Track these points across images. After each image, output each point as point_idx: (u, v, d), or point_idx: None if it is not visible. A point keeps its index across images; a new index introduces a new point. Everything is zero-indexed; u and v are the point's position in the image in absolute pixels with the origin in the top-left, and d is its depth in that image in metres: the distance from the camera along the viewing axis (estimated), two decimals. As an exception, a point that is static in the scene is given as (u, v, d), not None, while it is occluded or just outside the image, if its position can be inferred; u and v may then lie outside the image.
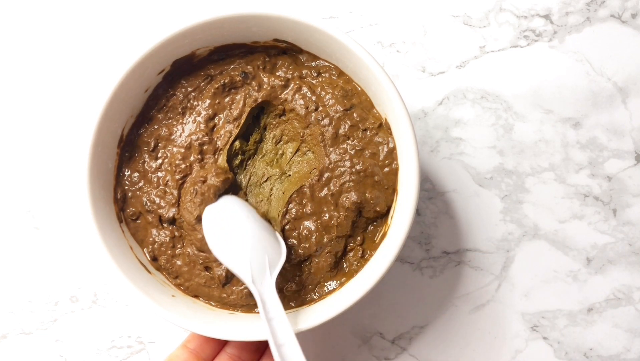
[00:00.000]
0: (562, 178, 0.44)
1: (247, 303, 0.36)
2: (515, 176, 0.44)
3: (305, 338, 0.43)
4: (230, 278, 0.36)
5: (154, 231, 0.36)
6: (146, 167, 0.37)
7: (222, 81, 0.37)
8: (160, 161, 0.37)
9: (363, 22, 0.45)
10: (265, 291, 0.32)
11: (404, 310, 0.44)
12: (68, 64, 0.45)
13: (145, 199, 0.36)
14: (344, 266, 0.36)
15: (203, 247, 0.35)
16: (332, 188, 0.36)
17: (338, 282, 0.36)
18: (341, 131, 0.36)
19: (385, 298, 0.44)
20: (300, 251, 0.36)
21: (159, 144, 0.37)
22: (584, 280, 0.43)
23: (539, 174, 0.44)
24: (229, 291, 0.36)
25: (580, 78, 0.44)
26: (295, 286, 0.36)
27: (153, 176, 0.37)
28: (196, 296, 0.36)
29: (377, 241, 0.36)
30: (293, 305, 0.36)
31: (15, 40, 0.45)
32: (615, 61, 0.44)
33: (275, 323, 0.31)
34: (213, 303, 0.36)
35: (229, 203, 0.35)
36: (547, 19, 0.44)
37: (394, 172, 0.35)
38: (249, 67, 0.37)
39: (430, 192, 0.44)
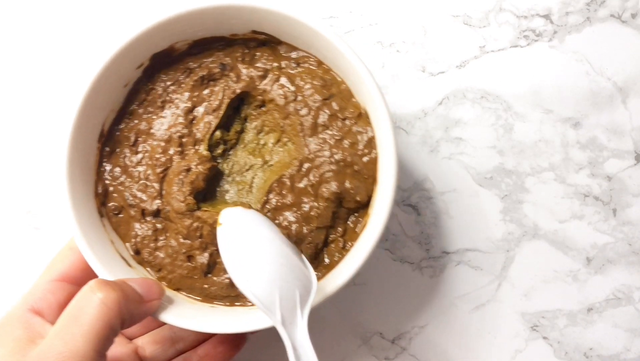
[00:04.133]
0: (562, 178, 0.44)
1: (228, 295, 0.36)
2: (515, 176, 0.44)
3: (305, 338, 0.44)
4: (212, 266, 0.36)
5: (136, 225, 0.36)
6: (127, 161, 0.37)
7: (201, 74, 0.37)
8: (140, 155, 0.37)
9: (363, 22, 0.45)
10: (298, 334, 0.28)
11: (404, 309, 0.44)
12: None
13: (127, 194, 0.36)
14: (325, 258, 0.36)
15: (190, 235, 0.35)
16: (311, 178, 0.35)
17: (319, 274, 0.36)
18: (320, 121, 0.36)
19: (385, 298, 0.44)
20: None
21: (139, 139, 0.37)
22: (584, 280, 0.43)
23: (539, 174, 0.44)
24: (210, 282, 0.36)
25: (580, 78, 0.44)
26: None
27: (134, 170, 0.36)
28: (178, 290, 0.36)
29: (358, 232, 0.36)
30: None
31: None
32: (615, 61, 0.44)
33: None
34: (195, 296, 0.36)
35: (250, 218, 0.32)
36: (547, 19, 0.44)
37: (374, 162, 0.35)
38: (227, 59, 0.37)
39: (430, 192, 0.44)
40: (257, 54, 0.37)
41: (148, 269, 0.36)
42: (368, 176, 0.35)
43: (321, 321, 0.44)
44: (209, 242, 0.35)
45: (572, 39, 0.44)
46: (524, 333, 0.43)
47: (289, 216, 0.36)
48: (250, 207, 0.34)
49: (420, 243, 0.44)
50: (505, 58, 0.44)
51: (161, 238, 0.36)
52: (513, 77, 0.44)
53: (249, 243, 0.30)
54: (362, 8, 0.45)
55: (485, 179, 0.44)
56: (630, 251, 0.44)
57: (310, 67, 0.37)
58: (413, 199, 0.44)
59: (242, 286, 0.28)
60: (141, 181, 0.36)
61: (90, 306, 0.27)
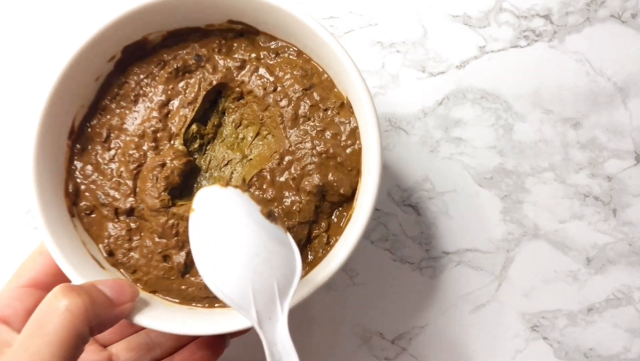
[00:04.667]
0: (562, 178, 0.44)
1: (207, 295, 0.34)
2: (515, 176, 0.44)
3: (304, 337, 0.44)
4: (189, 266, 0.34)
5: (109, 225, 0.35)
6: (99, 159, 0.35)
7: (175, 65, 0.35)
8: (113, 152, 0.35)
9: (363, 22, 0.45)
10: (278, 330, 0.26)
11: (404, 310, 0.44)
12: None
13: (99, 192, 0.35)
14: (309, 254, 0.35)
15: (165, 233, 0.34)
16: (293, 171, 0.34)
17: (305, 268, 0.34)
18: (301, 112, 0.34)
19: (385, 298, 0.44)
20: None
21: (112, 134, 0.35)
22: (584, 280, 0.43)
23: (539, 174, 0.44)
24: (188, 283, 0.34)
25: (580, 78, 0.44)
26: None
27: (106, 167, 0.35)
28: (154, 292, 0.34)
29: (342, 227, 0.34)
30: None
31: None
32: (615, 61, 0.44)
33: None
34: (172, 298, 0.34)
35: (225, 200, 0.29)
36: (547, 19, 0.44)
37: (357, 153, 0.34)
38: (203, 50, 0.36)
39: (430, 192, 0.44)
40: (235, 44, 0.36)
41: (122, 271, 0.35)
42: (352, 168, 0.34)
43: (321, 321, 0.44)
44: (186, 240, 0.34)
45: (572, 39, 0.44)
46: (524, 333, 0.43)
47: None
48: (228, 183, 0.30)
49: (420, 243, 0.44)
50: (505, 58, 0.44)
51: (135, 238, 0.35)
52: (513, 77, 0.44)
53: (219, 232, 0.27)
54: (362, 8, 0.45)
55: (485, 179, 0.44)
56: (630, 251, 0.44)
57: (290, 57, 0.35)
58: (413, 199, 0.44)
59: (209, 282, 0.26)
60: (114, 179, 0.35)
61: (54, 315, 0.25)
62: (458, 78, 0.44)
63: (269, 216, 0.29)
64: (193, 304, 0.34)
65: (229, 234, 0.27)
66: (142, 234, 0.35)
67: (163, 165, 0.34)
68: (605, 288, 0.43)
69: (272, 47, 0.36)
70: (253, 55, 0.36)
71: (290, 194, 0.34)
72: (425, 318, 0.44)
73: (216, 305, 0.34)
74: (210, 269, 0.26)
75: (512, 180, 0.44)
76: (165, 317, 0.31)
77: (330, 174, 0.34)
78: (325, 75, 0.35)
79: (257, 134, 0.36)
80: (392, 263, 0.44)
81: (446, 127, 0.44)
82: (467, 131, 0.44)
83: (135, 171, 0.35)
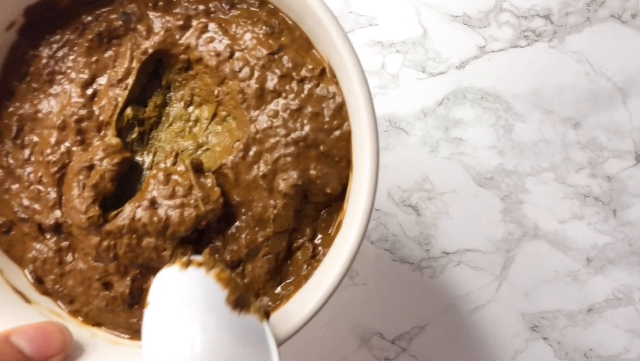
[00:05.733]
0: (562, 178, 0.44)
1: None
2: (515, 176, 0.44)
3: (304, 338, 0.44)
4: (137, 295, 0.27)
5: (35, 245, 0.27)
6: (10, 160, 0.27)
7: (97, 30, 0.27)
8: (28, 150, 0.27)
9: (363, 22, 0.45)
10: None
11: (404, 310, 0.44)
12: None
13: (15, 204, 0.27)
14: (289, 272, 0.27)
15: (100, 256, 0.26)
16: (262, 166, 0.26)
17: (283, 292, 0.27)
18: (268, 85, 0.26)
19: (385, 298, 0.44)
20: (226, 255, 0.27)
21: (24, 127, 0.27)
22: (584, 280, 0.43)
23: (539, 174, 0.44)
24: (137, 314, 0.27)
25: (580, 78, 0.44)
26: None
27: (21, 171, 0.27)
28: (99, 325, 0.27)
29: (331, 234, 0.27)
30: None
31: None
32: (615, 61, 0.44)
33: None
34: (120, 333, 0.27)
35: (183, 290, 0.23)
36: (547, 19, 0.44)
37: (346, 138, 0.26)
38: (132, 5, 0.27)
39: (430, 192, 0.44)
40: None
41: (59, 302, 0.28)
42: (340, 158, 0.26)
43: (321, 321, 0.44)
44: (129, 264, 0.26)
45: (572, 39, 0.44)
46: (524, 333, 0.43)
47: (236, 220, 0.26)
48: (189, 263, 0.23)
49: (420, 243, 0.44)
50: (505, 58, 0.44)
51: (67, 259, 0.27)
52: (513, 77, 0.44)
53: (171, 336, 0.22)
54: (362, 8, 0.45)
55: (485, 179, 0.44)
56: (630, 252, 0.44)
57: (250, 8, 0.27)
58: (413, 199, 0.44)
59: None
60: (32, 186, 0.27)
61: None
62: (458, 78, 0.44)
63: (237, 305, 0.23)
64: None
65: (181, 339, 0.22)
66: (76, 255, 0.27)
67: (90, 167, 0.26)
68: (605, 288, 0.43)
69: None
70: (200, 7, 0.27)
71: (261, 196, 0.26)
72: (425, 318, 0.44)
73: None
74: None
75: (512, 180, 0.44)
76: None
77: (311, 168, 0.26)
78: (298, 31, 0.26)
79: (214, 115, 0.28)
80: (392, 263, 0.44)
81: (446, 127, 0.44)
82: (467, 131, 0.44)
83: (58, 175, 0.27)
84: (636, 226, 0.44)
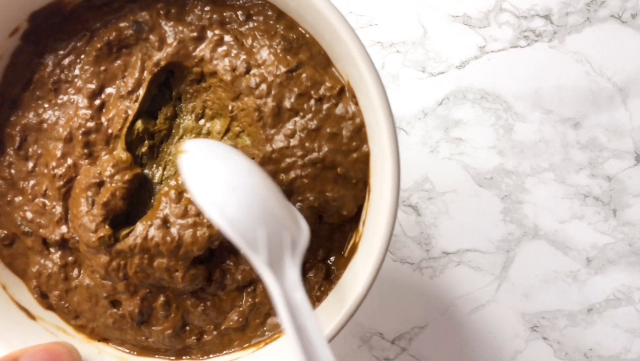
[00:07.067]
0: (562, 178, 0.44)
1: (172, 347, 0.27)
2: (515, 176, 0.44)
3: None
4: (147, 314, 0.26)
5: (38, 259, 0.27)
6: (13, 171, 0.26)
7: (106, 38, 0.26)
8: (31, 162, 0.26)
9: (363, 22, 0.45)
10: (288, 284, 0.21)
11: (404, 310, 0.44)
12: None
13: (18, 217, 0.26)
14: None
15: (109, 275, 0.25)
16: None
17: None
18: (286, 104, 0.25)
19: (385, 298, 0.44)
20: (238, 275, 0.26)
21: (28, 138, 0.26)
22: (584, 280, 0.43)
23: (539, 174, 0.44)
24: (146, 333, 0.27)
25: (580, 78, 0.44)
26: (236, 322, 0.27)
27: (25, 183, 0.26)
28: (106, 341, 0.27)
29: (345, 255, 0.27)
30: (232, 348, 0.27)
31: None
32: (615, 61, 0.44)
33: (310, 336, 0.20)
34: (127, 350, 0.27)
35: (223, 147, 0.24)
36: (547, 19, 0.44)
37: (364, 160, 0.25)
38: (144, 13, 0.26)
39: (430, 192, 0.44)
40: (188, 3, 0.26)
41: (60, 315, 0.27)
42: (357, 180, 0.25)
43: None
44: (139, 284, 0.26)
45: (572, 39, 0.44)
46: (524, 333, 0.43)
47: None
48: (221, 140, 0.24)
49: (420, 243, 0.44)
50: (505, 58, 0.44)
51: (73, 275, 0.27)
52: (513, 77, 0.44)
53: (224, 169, 0.22)
54: (362, 8, 0.45)
55: (485, 179, 0.44)
56: (630, 252, 0.44)
57: (267, 21, 0.26)
58: (413, 199, 0.44)
59: (211, 210, 0.21)
60: (37, 200, 0.26)
61: None
62: (458, 78, 0.44)
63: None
64: (156, 356, 0.27)
65: (235, 171, 0.22)
66: (82, 271, 0.27)
67: (100, 183, 0.25)
68: (605, 288, 0.43)
69: (241, 4, 0.26)
70: (215, 17, 0.26)
71: None
72: (425, 318, 0.44)
73: (184, 357, 0.27)
74: (213, 198, 0.21)
75: (512, 180, 0.44)
76: None
77: (328, 190, 0.25)
78: (317, 47, 0.25)
79: (227, 130, 0.27)
80: (392, 263, 0.44)
81: (446, 127, 0.44)
82: (467, 131, 0.44)
83: (64, 189, 0.26)
84: (636, 226, 0.44)
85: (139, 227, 0.25)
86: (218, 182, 0.21)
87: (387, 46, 0.45)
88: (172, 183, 0.26)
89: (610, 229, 0.44)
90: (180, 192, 0.25)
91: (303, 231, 0.23)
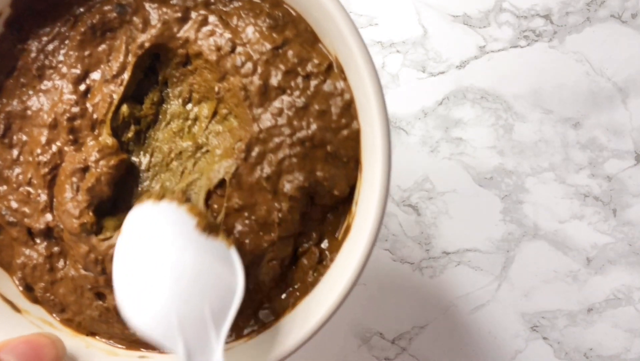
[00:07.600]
0: (562, 178, 0.44)
1: None
2: (515, 176, 0.44)
3: (305, 338, 0.44)
4: None
5: (24, 250, 0.26)
6: None
7: (90, 22, 0.25)
8: (16, 150, 0.26)
9: (363, 22, 0.45)
10: None
11: (404, 309, 0.44)
12: None
13: (3, 207, 0.26)
14: (296, 277, 0.26)
15: (88, 266, 0.25)
16: (266, 167, 0.25)
17: (289, 299, 0.26)
18: (272, 81, 0.24)
19: (385, 298, 0.44)
20: None
21: (12, 126, 0.26)
22: (584, 280, 0.43)
23: (539, 174, 0.44)
24: None
25: (580, 78, 0.44)
26: None
27: (9, 172, 0.26)
28: (93, 334, 0.26)
29: (339, 238, 0.26)
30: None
31: None
32: (615, 61, 0.44)
33: None
34: (115, 343, 0.26)
35: (155, 218, 0.23)
36: (547, 19, 0.44)
37: (355, 137, 0.24)
38: None
39: (430, 192, 0.44)
40: None
41: (46, 309, 0.27)
42: (348, 159, 0.25)
43: (321, 321, 0.44)
44: None
45: (572, 39, 0.44)
46: (524, 333, 0.43)
47: (239, 225, 0.25)
48: (163, 197, 0.24)
49: (420, 243, 0.44)
50: (505, 58, 0.44)
51: (58, 266, 0.26)
52: (513, 77, 0.44)
53: (142, 257, 0.22)
54: (362, 8, 0.45)
55: (485, 179, 0.44)
56: (630, 252, 0.44)
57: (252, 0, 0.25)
58: (413, 199, 0.44)
59: (126, 314, 0.21)
60: (21, 188, 0.26)
61: None
62: (458, 78, 0.44)
63: (206, 229, 0.23)
64: (143, 350, 0.26)
65: (152, 258, 0.22)
66: (67, 262, 0.26)
67: (85, 169, 0.25)
68: (605, 288, 0.43)
69: None
70: None
71: (266, 199, 0.25)
72: (425, 318, 0.44)
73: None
74: (129, 300, 0.21)
75: (512, 180, 0.44)
76: None
77: (318, 170, 0.25)
78: (303, 24, 0.25)
79: (214, 113, 0.26)
80: (392, 263, 0.44)
81: (446, 127, 0.44)
82: (467, 131, 0.44)
83: (49, 176, 0.25)
84: (636, 226, 0.44)
85: (115, 237, 0.25)
86: (136, 283, 0.21)
87: (387, 46, 0.45)
88: (163, 174, 0.26)
89: (610, 229, 0.44)
90: (163, 195, 0.24)
91: (237, 286, 0.22)
